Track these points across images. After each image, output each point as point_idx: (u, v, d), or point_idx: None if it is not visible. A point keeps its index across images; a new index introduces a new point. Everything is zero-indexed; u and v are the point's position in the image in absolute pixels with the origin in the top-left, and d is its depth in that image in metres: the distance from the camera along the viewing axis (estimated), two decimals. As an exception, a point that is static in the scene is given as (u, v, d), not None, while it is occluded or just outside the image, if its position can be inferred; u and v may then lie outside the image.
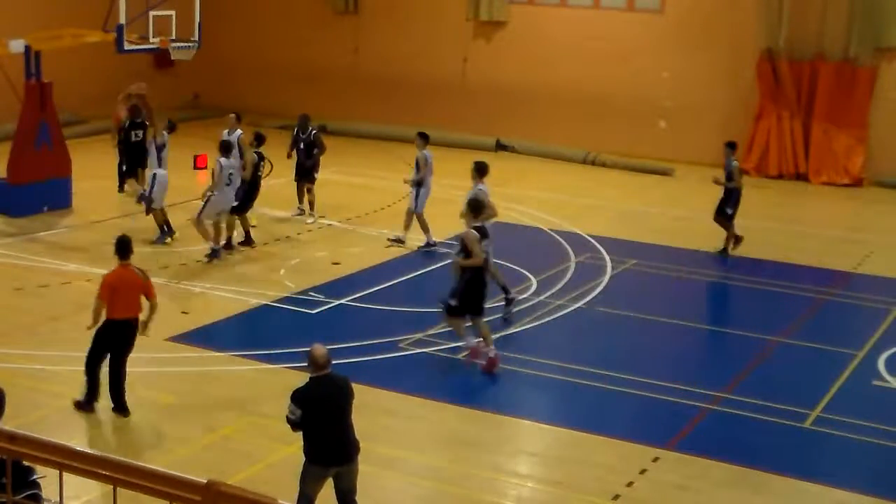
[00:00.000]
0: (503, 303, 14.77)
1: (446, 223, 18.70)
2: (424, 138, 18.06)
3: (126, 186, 20.13)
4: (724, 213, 18.49)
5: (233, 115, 18.55)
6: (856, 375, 13.24)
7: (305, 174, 19.30)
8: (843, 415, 12.06)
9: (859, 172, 25.65)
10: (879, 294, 16.68)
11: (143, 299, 11.22)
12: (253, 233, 17.65)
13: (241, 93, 30.79)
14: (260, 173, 17.40)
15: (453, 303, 12.76)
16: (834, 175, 25.76)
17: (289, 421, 8.42)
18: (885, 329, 15.00)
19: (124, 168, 20.02)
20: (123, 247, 11.15)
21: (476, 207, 13.20)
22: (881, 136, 25.50)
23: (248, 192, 17.10)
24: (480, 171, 15.59)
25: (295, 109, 27.71)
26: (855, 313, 16.11)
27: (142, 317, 11.21)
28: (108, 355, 11.12)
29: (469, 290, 12.74)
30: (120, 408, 11.09)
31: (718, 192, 18.75)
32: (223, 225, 16.83)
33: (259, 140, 17.60)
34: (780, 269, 17.82)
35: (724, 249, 18.48)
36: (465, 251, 12.79)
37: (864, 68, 25.49)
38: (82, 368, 11.22)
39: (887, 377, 13.22)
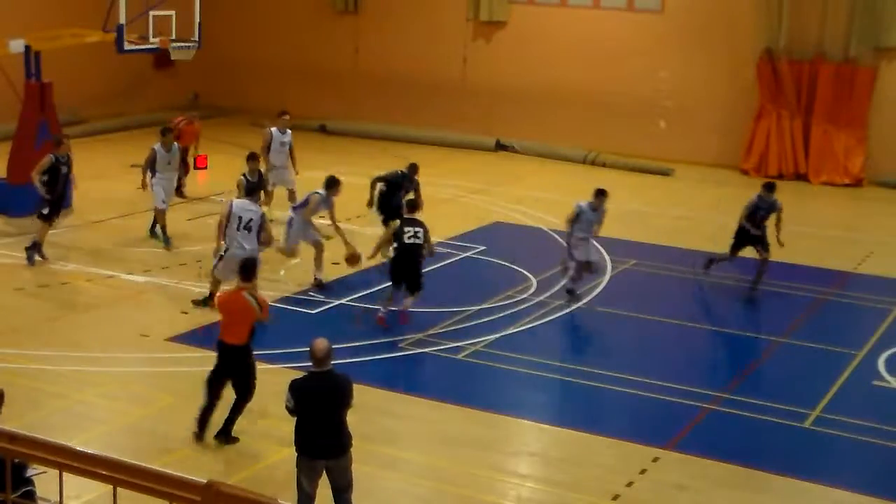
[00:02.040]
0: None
1: (447, 223, 18.76)
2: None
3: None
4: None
5: (286, 116, 19.09)
6: (856, 375, 13.24)
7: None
8: (843, 415, 12.07)
9: (859, 172, 25.65)
10: (879, 294, 16.68)
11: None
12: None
13: (241, 92, 30.83)
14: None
15: None
16: (834, 175, 25.76)
17: (286, 408, 8.59)
18: (884, 329, 15.01)
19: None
20: (245, 269, 10.72)
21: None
22: (881, 137, 25.50)
23: None
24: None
25: (296, 109, 27.77)
26: (855, 313, 16.11)
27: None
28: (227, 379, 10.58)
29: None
30: (221, 433, 10.62)
31: (718, 192, 18.70)
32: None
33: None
34: (780, 270, 17.79)
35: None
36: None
37: (865, 68, 25.49)
38: (82, 368, 11.23)
39: (887, 377, 13.22)
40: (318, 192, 15.58)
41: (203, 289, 15.00)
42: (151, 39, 19.70)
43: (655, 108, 27.31)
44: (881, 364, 13.61)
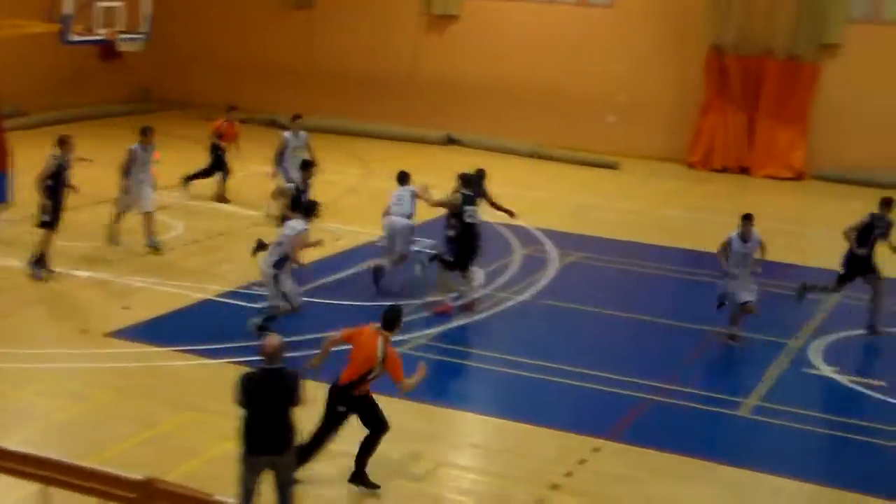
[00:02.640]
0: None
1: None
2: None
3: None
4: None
5: (300, 119, 18.99)
6: (790, 364, 13.49)
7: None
8: (778, 403, 12.30)
9: (801, 166, 26.05)
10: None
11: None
12: (193, 226, 17.52)
13: (192, 86, 30.64)
14: None
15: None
16: (776, 169, 26.15)
17: (236, 402, 8.54)
18: (818, 319, 15.33)
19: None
20: (390, 318, 9.83)
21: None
22: (822, 131, 25.92)
23: None
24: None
25: (248, 103, 27.66)
26: (790, 303, 16.35)
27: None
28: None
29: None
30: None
31: (665, 185, 18.86)
32: None
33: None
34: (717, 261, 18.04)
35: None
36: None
37: (808, 65, 25.89)
38: (20, 366, 11.09)
39: (819, 365, 13.48)
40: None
41: (145, 283, 14.89)
42: (98, 31, 19.44)
43: (605, 102, 27.52)
44: (813, 353, 13.88)
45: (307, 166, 16.60)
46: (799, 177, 25.97)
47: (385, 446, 10.94)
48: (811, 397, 12.60)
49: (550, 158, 26.83)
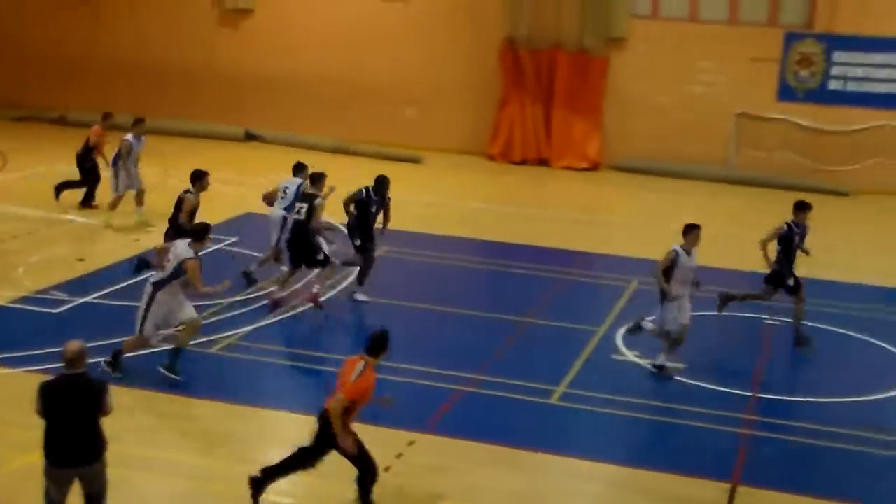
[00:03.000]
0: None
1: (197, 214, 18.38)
2: None
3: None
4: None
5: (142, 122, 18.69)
6: (597, 351, 13.93)
7: None
8: (586, 389, 12.68)
9: (596, 157, 26.99)
10: (616, 272, 17.59)
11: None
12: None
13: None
14: None
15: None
16: (573, 160, 26.98)
17: (37, 412, 8.15)
18: (622, 305, 15.87)
19: None
20: (374, 342, 9.51)
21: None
22: (615, 122, 26.93)
23: None
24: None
25: (35, 99, 26.54)
26: (594, 292, 16.93)
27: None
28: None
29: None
30: None
31: (466, 178, 19.12)
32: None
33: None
34: (524, 252, 18.48)
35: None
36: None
37: (598, 58, 26.81)
38: None
39: (625, 351, 13.99)
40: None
41: None
42: None
43: (403, 96, 27.71)
44: (619, 339, 14.38)
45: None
46: (594, 167, 26.90)
47: (197, 450, 10.70)
48: (618, 382, 13.06)
49: (354, 153, 26.80)
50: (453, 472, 10.53)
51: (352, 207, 15.31)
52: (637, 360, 13.69)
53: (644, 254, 18.69)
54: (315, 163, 25.25)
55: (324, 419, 9.32)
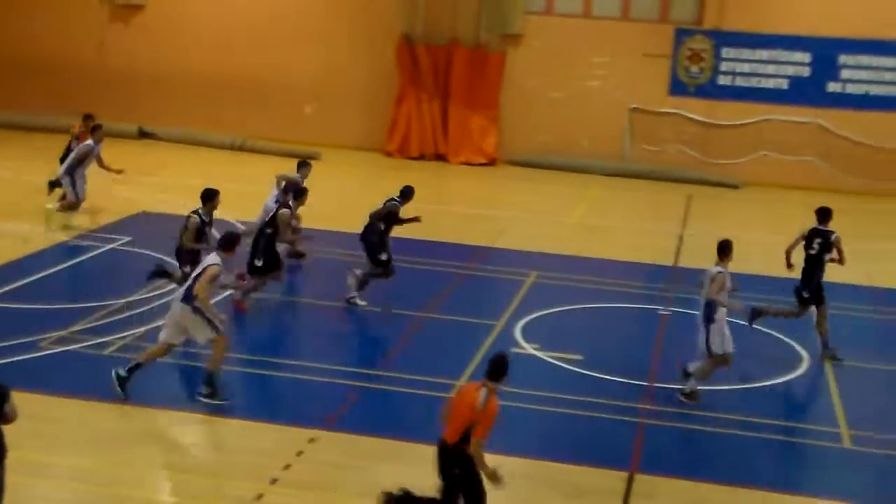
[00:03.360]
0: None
1: (90, 214, 18.02)
2: None
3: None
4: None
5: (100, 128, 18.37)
6: (496, 344, 14.00)
7: None
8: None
9: (493, 152, 27.19)
10: (513, 266, 17.75)
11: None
12: None
13: None
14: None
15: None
16: (471, 155, 27.15)
17: None
18: (520, 299, 16.03)
19: None
20: (495, 366, 8.96)
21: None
22: (511, 118, 27.17)
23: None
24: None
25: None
26: (493, 285, 17.04)
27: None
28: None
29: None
30: None
31: (364, 174, 19.09)
32: None
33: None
34: (423, 247, 18.53)
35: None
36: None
37: (494, 54, 27.03)
38: None
39: (524, 344, 14.13)
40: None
41: None
42: None
43: (301, 93, 27.53)
44: (518, 332, 14.52)
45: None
46: (492, 162, 27.10)
47: (94, 454, 10.49)
48: (517, 375, 13.12)
49: (252, 150, 26.53)
50: (355, 469, 10.51)
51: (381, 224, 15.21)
52: (536, 352, 13.83)
53: (541, 247, 18.97)
54: (212, 160, 25.09)
55: (449, 454, 8.73)
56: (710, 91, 26.70)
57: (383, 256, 15.20)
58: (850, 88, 26.23)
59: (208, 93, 27.62)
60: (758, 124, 26.44)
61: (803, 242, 14.14)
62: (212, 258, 11.76)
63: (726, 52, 26.60)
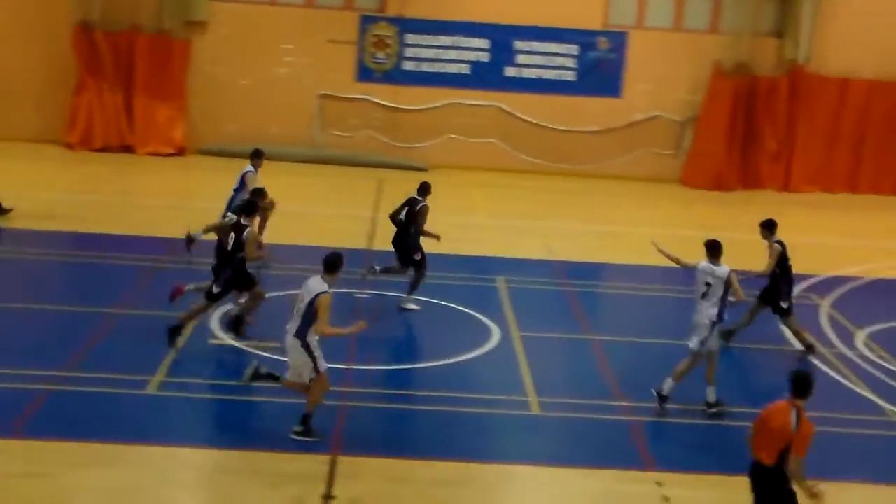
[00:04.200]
0: None
1: None
2: None
3: None
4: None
5: None
6: (193, 337, 13.72)
7: None
8: (185, 376, 12.52)
9: (182, 141, 26.59)
10: (208, 258, 17.37)
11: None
12: None
13: None
14: None
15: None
16: (159, 145, 26.42)
17: None
18: (216, 290, 15.74)
19: None
20: (800, 383, 8.73)
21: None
22: (200, 106, 26.68)
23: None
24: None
25: None
26: (187, 278, 16.59)
27: None
28: None
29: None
30: None
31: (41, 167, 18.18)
32: None
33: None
34: (110, 242, 17.90)
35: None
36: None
37: (179, 41, 26.41)
38: None
39: (221, 335, 13.93)
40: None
41: None
42: None
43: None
44: (214, 323, 14.28)
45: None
46: (181, 152, 26.47)
47: None
48: (218, 367, 13.00)
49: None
50: (45, 477, 10.00)
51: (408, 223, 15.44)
52: (233, 342, 13.67)
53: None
54: None
55: (767, 476, 8.75)
56: (397, 77, 27.30)
57: (417, 256, 15.44)
58: (526, 73, 27.60)
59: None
60: (443, 108, 27.31)
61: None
62: (316, 284, 10.81)
63: (410, 38, 27.27)
